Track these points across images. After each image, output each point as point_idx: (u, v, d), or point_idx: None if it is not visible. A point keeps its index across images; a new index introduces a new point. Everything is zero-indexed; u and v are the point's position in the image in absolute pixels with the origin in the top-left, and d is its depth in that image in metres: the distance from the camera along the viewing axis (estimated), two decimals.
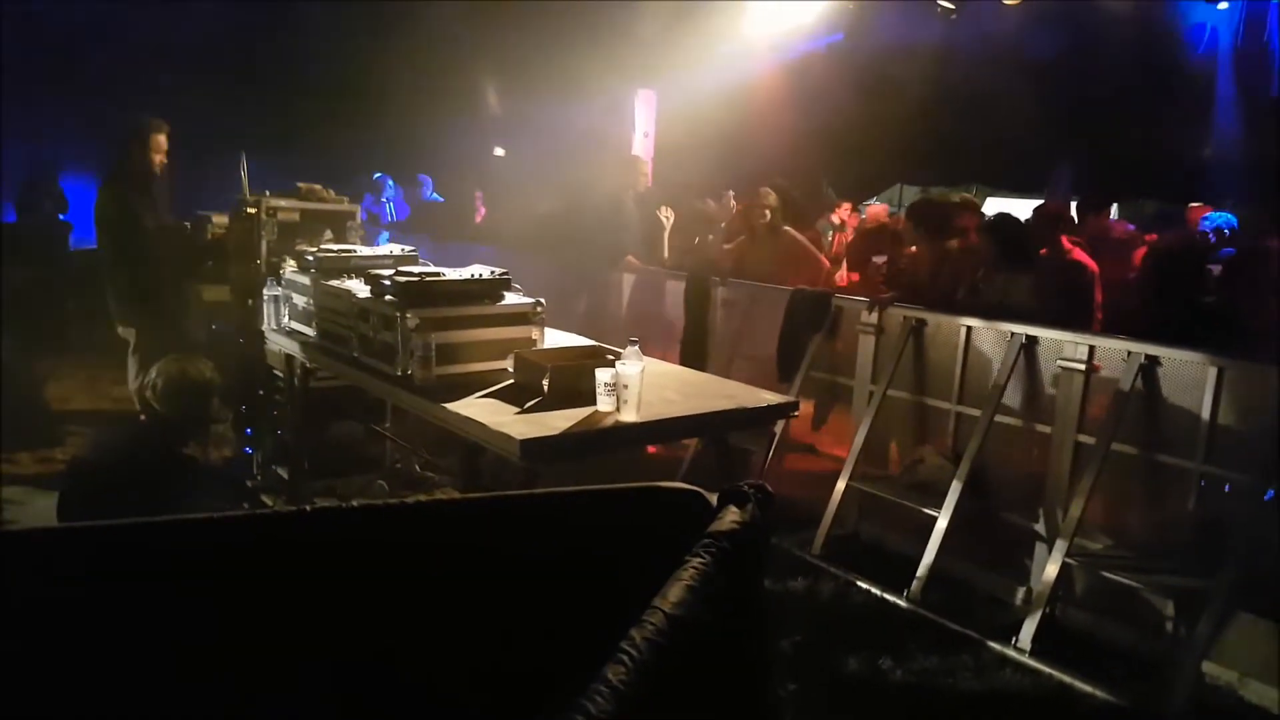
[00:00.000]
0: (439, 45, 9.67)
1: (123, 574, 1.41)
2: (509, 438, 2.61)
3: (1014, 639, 3.74)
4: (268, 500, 4.60)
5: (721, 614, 1.22)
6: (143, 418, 3.64)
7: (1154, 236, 7.01)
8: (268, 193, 4.67)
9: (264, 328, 4.29)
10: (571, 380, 2.96)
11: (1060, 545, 3.80)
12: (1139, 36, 9.30)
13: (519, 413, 2.84)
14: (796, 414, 3.49)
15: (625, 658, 0.99)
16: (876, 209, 9.48)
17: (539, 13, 9.19)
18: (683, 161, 9.46)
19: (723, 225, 7.03)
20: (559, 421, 2.74)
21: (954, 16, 10.27)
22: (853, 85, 11.32)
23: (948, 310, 4.72)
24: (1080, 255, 4.95)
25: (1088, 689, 3.46)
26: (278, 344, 4.22)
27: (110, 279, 5.33)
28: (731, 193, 7.14)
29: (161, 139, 5.24)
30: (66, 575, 1.38)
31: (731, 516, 1.33)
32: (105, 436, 4.14)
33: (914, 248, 5.58)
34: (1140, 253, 6.05)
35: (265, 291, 4.22)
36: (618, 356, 2.91)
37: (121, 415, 4.82)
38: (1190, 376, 3.71)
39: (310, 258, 3.92)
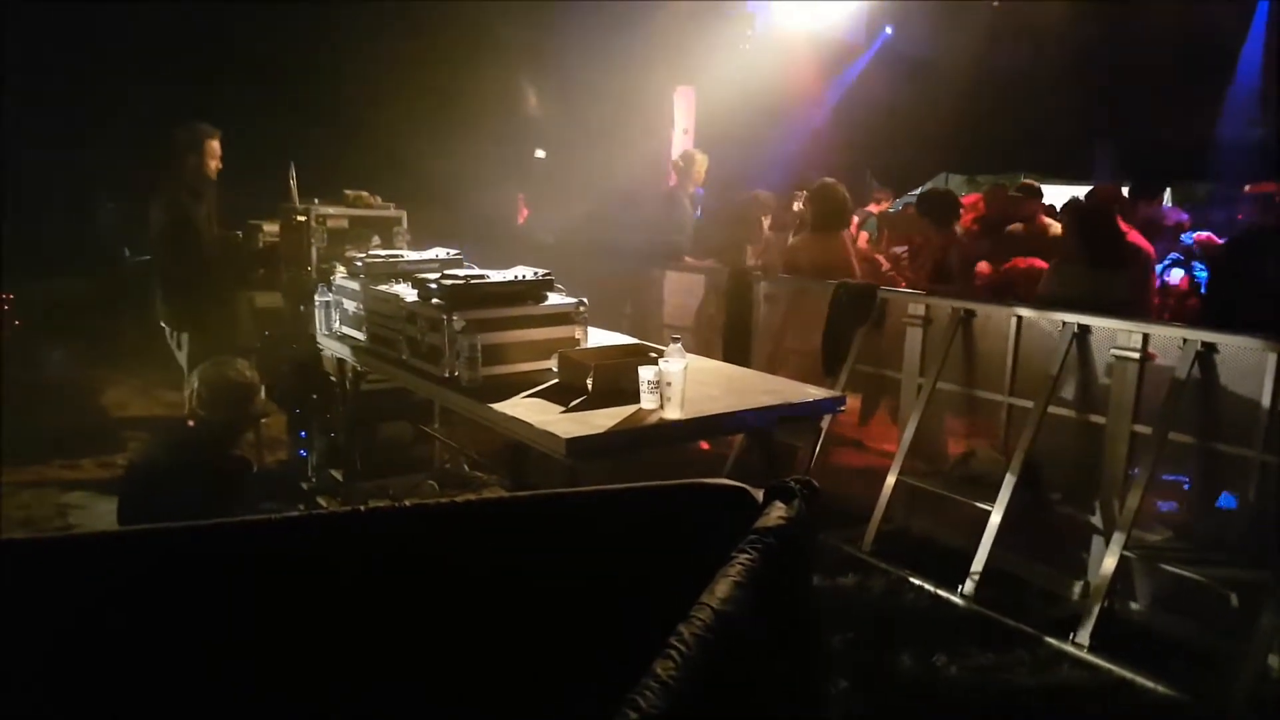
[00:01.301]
0: (478, 48, 9.75)
1: (187, 574, 1.45)
2: (555, 436, 2.63)
3: (1072, 634, 3.68)
4: (323, 501, 4.69)
5: (769, 609, 1.22)
6: (190, 423, 3.73)
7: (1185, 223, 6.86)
8: (316, 200, 4.75)
9: (316, 333, 4.36)
10: (615, 379, 2.97)
11: (1118, 538, 3.73)
12: (1184, 17, 9.08)
13: (564, 411, 2.86)
14: (843, 409, 3.46)
15: (674, 653, 1.00)
16: None
17: (576, 12, 9.22)
18: (723, 157, 9.43)
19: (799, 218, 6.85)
20: (603, 420, 2.76)
21: (996, 4, 10.13)
22: (896, 75, 11.21)
23: (996, 300, 4.65)
24: (1136, 238, 4.85)
25: (1148, 684, 3.39)
26: (329, 348, 4.29)
27: (165, 286, 5.43)
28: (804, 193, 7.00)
29: (215, 145, 5.33)
30: (130, 577, 1.42)
31: (777, 512, 1.34)
32: (160, 441, 4.24)
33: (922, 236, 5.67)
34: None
35: (316, 297, 4.29)
36: (661, 354, 2.91)
37: (177, 420, 4.93)
38: (1248, 363, 3.62)
39: (359, 263, 3.98)
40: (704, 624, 1.05)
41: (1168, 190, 8.43)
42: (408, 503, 1.56)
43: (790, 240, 6.34)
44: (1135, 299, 4.55)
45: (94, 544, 1.51)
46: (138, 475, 3.83)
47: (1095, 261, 4.53)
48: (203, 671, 1.44)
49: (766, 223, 6.37)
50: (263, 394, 4.06)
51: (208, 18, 9.08)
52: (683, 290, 6.54)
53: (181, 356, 5.36)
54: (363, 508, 1.54)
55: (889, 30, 11.13)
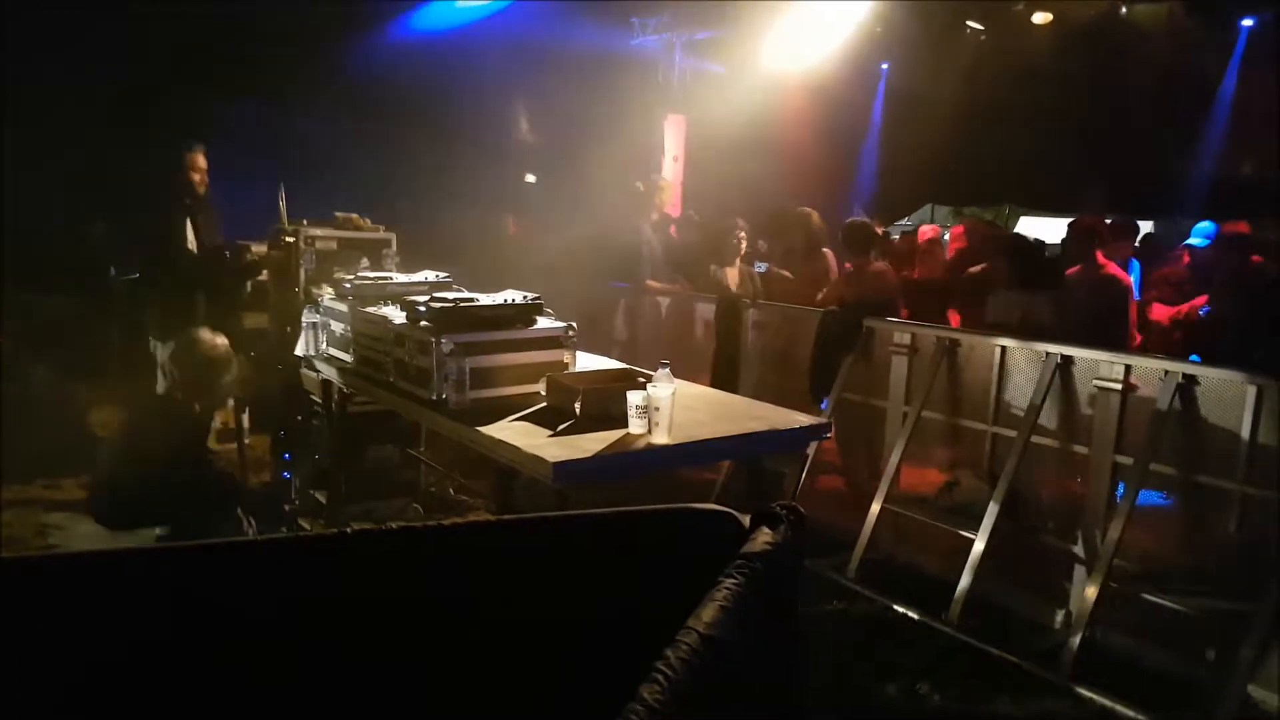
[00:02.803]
0: (471, 72, 9.81)
1: (168, 595, 1.44)
2: (542, 460, 2.63)
3: (1054, 663, 3.69)
4: (305, 524, 4.66)
5: (755, 634, 1.23)
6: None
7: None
8: (305, 221, 4.76)
9: (302, 354, 4.36)
10: (603, 403, 2.98)
11: (1100, 568, 3.75)
12: (1170, 52, 9.23)
13: (552, 436, 2.87)
14: (829, 435, 3.47)
15: (660, 678, 1.00)
16: (927, 229, 9.48)
17: (568, 39, 9.31)
18: (712, 185, 9.51)
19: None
20: (591, 444, 2.76)
21: (983, 37, 10.27)
22: (883, 106, 11.35)
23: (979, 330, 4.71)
24: (1114, 269, 4.94)
25: (1130, 714, 3.40)
26: (316, 370, 4.28)
27: (148, 297, 5.41)
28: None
29: (199, 159, 5.33)
30: (107, 598, 1.41)
31: (764, 537, 1.34)
32: (135, 429, 4.03)
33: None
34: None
35: (304, 319, 4.29)
36: (649, 379, 2.93)
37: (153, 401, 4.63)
38: (1229, 395, 3.66)
39: (347, 285, 3.99)
40: (690, 648, 1.06)
41: (1148, 224, 8.53)
42: (393, 525, 1.56)
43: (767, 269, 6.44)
44: (1111, 329, 4.64)
45: (75, 564, 1.50)
46: (113, 468, 3.71)
47: (1031, 288, 4.67)
48: (183, 694, 1.43)
49: (742, 247, 6.44)
50: (236, 368, 3.95)
51: (202, 34, 9.10)
52: (671, 315, 6.57)
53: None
54: (348, 530, 1.54)
55: (885, 65, 11.28)
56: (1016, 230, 10.63)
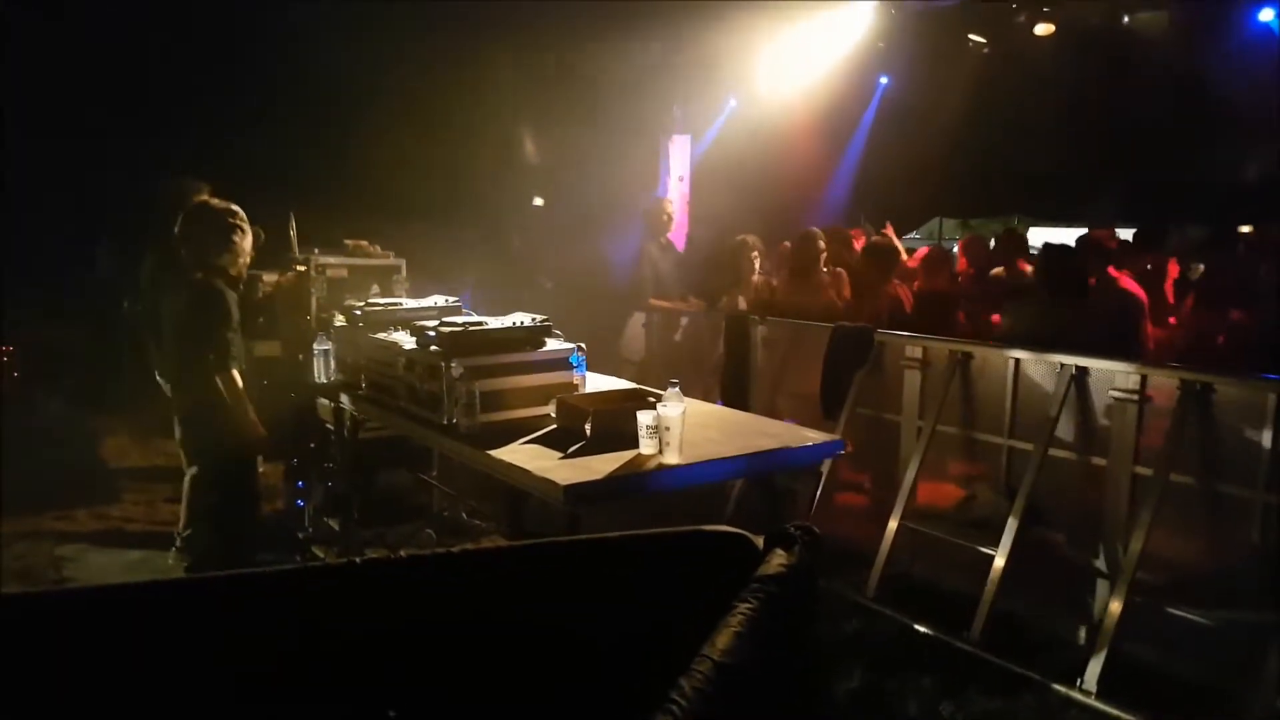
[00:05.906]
0: (478, 95, 9.87)
1: (177, 628, 1.43)
2: (553, 483, 2.61)
3: (1079, 679, 3.63)
4: (319, 551, 4.65)
5: (771, 660, 1.20)
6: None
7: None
8: (316, 250, 4.77)
9: (314, 381, 4.36)
10: (613, 424, 2.96)
11: (1122, 581, 3.70)
12: (1175, 58, 9.21)
13: (562, 458, 2.85)
14: (843, 452, 3.44)
15: (674, 708, 0.98)
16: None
17: (576, 60, 9.38)
18: (718, 201, 9.52)
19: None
20: (602, 465, 2.75)
21: (986, 50, 10.28)
22: (889, 120, 11.37)
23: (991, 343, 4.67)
24: (1129, 284, 4.91)
25: None
26: (327, 397, 4.28)
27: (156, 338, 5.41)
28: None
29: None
30: (121, 630, 1.41)
31: (778, 560, 1.32)
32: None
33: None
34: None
35: (315, 346, 4.30)
36: (659, 398, 2.91)
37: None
38: (1248, 404, 3.61)
39: (358, 312, 3.99)
40: (704, 676, 1.03)
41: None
42: (404, 553, 1.54)
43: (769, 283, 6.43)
44: (1128, 342, 4.60)
45: (84, 599, 1.49)
46: None
47: (1056, 297, 4.61)
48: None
49: (757, 264, 6.43)
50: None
51: (211, 63, 9.18)
52: (680, 333, 6.56)
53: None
54: (359, 559, 1.52)
55: (884, 80, 11.31)
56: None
